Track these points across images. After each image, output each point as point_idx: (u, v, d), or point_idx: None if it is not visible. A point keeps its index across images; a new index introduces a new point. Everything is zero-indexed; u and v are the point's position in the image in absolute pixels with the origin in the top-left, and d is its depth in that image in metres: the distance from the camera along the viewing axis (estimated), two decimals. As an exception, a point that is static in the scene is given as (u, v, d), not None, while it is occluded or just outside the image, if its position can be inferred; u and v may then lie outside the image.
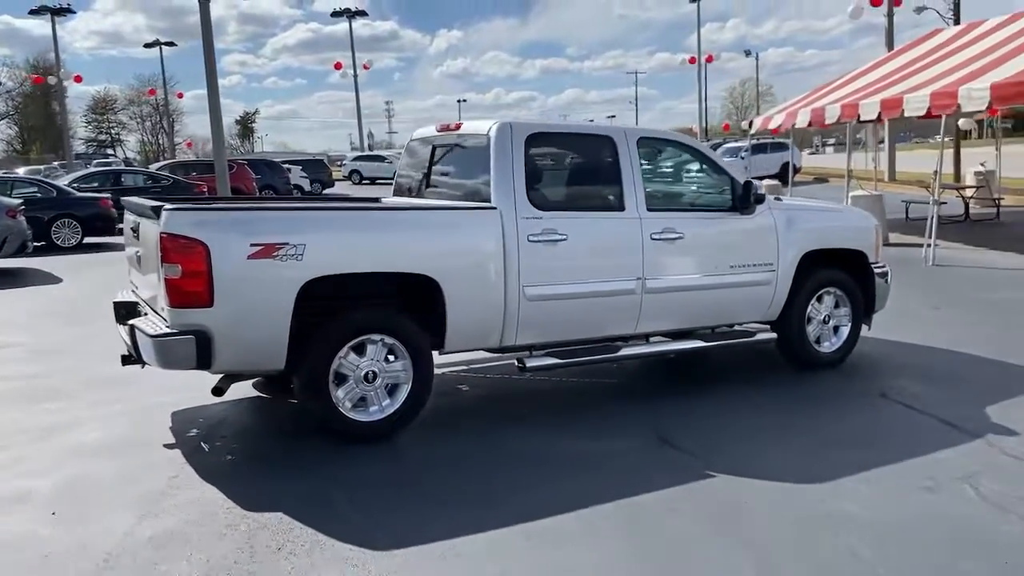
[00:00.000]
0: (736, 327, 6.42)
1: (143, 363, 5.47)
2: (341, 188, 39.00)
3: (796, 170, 31.74)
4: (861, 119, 14.85)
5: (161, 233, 4.56)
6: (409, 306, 5.25)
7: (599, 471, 4.63)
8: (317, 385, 4.89)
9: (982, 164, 20.40)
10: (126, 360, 5.40)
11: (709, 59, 51.48)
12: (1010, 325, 8.08)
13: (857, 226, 6.89)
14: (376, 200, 6.91)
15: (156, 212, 4.66)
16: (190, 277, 4.53)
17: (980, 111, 12.24)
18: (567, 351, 5.65)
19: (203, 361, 4.62)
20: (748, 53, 65.72)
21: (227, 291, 4.58)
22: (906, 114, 13.07)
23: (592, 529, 3.91)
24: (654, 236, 5.79)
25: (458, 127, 6.02)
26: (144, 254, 5.15)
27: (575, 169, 5.95)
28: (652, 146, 6.09)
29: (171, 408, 5.78)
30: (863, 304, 6.77)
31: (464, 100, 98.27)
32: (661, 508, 4.13)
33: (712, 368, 6.79)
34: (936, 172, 12.79)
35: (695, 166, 6.33)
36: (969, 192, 19.21)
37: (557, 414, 5.69)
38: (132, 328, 4.85)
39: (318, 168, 37.18)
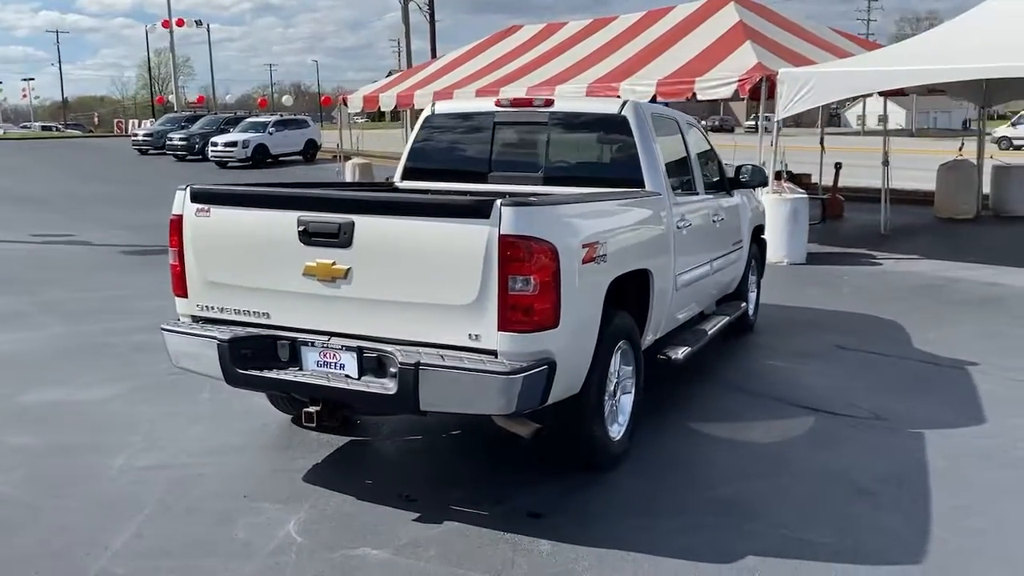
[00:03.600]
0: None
1: (336, 424, 4.00)
2: None
3: (318, 147, 32.38)
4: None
5: (505, 236, 3.40)
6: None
7: (871, 447, 4.81)
8: (601, 405, 4.13)
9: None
10: (320, 420, 3.82)
11: (180, 23, 48.29)
12: (798, 284, 9.82)
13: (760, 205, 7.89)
14: (388, 183, 5.70)
15: (479, 208, 3.42)
16: (542, 291, 3.48)
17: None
18: (689, 339, 5.56)
19: (544, 397, 3.60)
20: (199, 23, 62.73)
21: (568, 305, 3.62)
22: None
23: (975, 501, 4.16)
24: (714, 219, 6.01)
25: (548, 103, 5.37)
26: (371, 266, 3.65)
27: (670, 152, 5.78)
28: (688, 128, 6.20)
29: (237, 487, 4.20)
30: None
31: None
32: (969, 468, 4.50)
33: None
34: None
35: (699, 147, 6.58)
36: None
37: (702, 407, 5.53)
38: (415, 368, 3.44)
39: None
